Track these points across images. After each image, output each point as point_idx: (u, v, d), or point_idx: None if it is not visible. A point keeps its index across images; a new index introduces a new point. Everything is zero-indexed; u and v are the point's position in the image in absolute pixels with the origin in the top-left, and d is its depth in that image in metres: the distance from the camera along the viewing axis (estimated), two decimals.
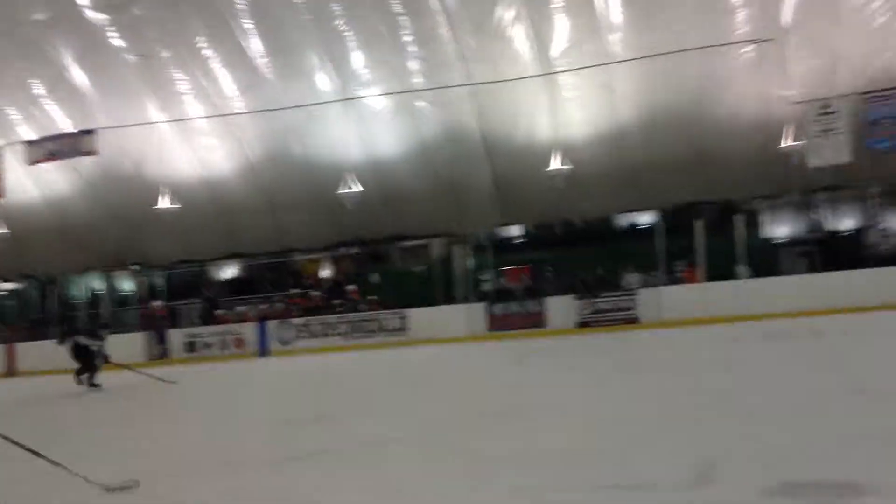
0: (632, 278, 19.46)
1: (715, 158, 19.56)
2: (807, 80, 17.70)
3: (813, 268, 19.59)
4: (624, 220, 21.69)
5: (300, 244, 23.27)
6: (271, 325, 20.66)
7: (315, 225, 22.31)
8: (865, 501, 3.89)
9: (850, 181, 19.59)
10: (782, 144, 18.40)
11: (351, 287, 21.36)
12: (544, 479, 4.80)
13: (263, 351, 20.40)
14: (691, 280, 19.05)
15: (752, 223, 20.17)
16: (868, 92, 17.67)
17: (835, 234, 20.34)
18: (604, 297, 18.93)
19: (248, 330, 20.80)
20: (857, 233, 19.99)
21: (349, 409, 9.05)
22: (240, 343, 20.66)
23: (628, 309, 18.75)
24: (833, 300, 16.77)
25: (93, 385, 13.96)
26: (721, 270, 18.83)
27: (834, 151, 17.97)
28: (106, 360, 14.35)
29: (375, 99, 20.02)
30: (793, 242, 20.47)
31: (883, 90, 17.59)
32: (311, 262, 23.56)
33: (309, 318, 20.68)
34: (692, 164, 19.79)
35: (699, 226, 18.83)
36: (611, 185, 20.44)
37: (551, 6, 18.09)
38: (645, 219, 21.19)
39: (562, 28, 18.47)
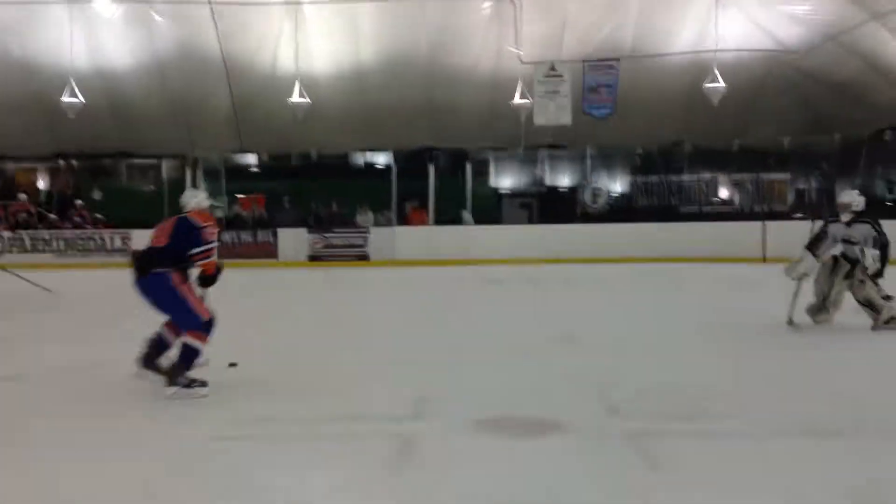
0: (365, 216, 20.16)
1: (450, 107, 20.56)
2: (537, 41, 18.93)
3: (531, 219, 21.40)
4: (361, 158, 22.33)
5: (15, 151, 21.69)
6: None
7: (33, 133, 20.84)
8: (554, 437, 4.41)
9: (569, 141, 21.49)
10: (513, 101, 19.64)
11: (79, 202, 20.38)
12: (277, 411, 5.08)
13: None
14: (418, 221, 20.09)
15: (481, 173, 21.63)
16: (589, 60, 19.30)
17: (553, 190, 22.26)
18: (336, 232, 19.49)
19: None
20: (573, 190, 22.00)
21: None
22: None
23: (360, 246, 19.45)
24: (548, 251, 18.46)
25: None
26: (450, 215, 20.10)
27: (557, 113, 19.56)
28: None
29: (105, 4, 18.93)
30: (516, 194, 22.16)
31: (601, 60, 19.31)
32: (26, 170, 22.09)
33: (22, 230, 19.52)
34: (429, 111, 20.71)
35: (432, 170, 19.87)
36: (350, 123, 20.89)
37: None
38: (381, 159, 22.00)
39: None
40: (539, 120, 19.64)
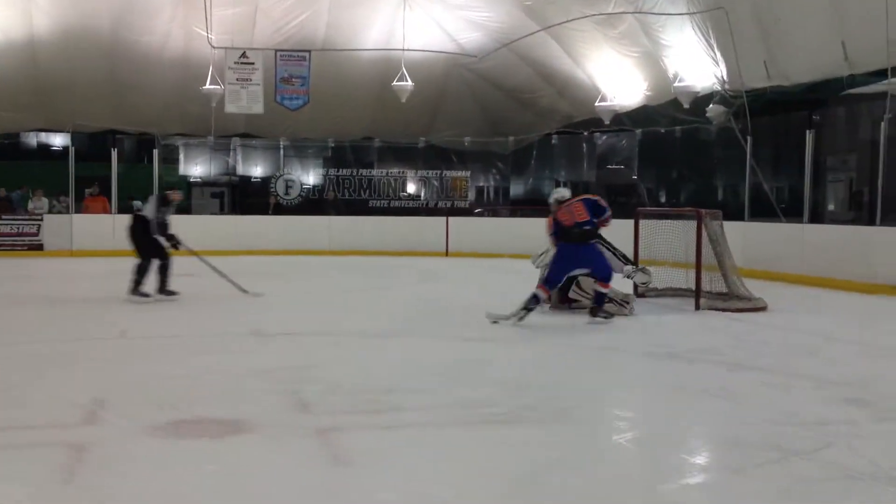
0: (39, 203, 19.11)
1: (137, 89, 20.11)
2: (228, 26, 19.08)
3: (223, 209, 21.52)
4: (34, 139, 21.08)
5: None
6: None
7: None
8: (240, 436, 4.46)
9: (263, 132, 21.90)
10: (203, 86, 19.61)
11: None
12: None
13: None
14: (99, 209, 19.40)
15: (170, 159, 21.35)
16: (281, 50, 19.84)
17: (246, 180, 22.55)
18: (5, 219, 18.31)
19: None
20: (266, 181, 22.42)
21: None
22: None
23: (33, 235, 18.42)
24: (241, 242, 18.65)
25: None
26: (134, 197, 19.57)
27: (249, 101, 19.86)
28: None
29: None
30: (207, 183, 22.14)
31: (293, 50, 19.92)
32: None
33: None
34: (113, 91, 20.07)
35: (115, 155, 19.26)
36: (23, 100, 19.67)
37: None
38: (58, 141, 20.92)
39: None
40: (230, 108, 19.82)
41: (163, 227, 10.33)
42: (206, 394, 5.55)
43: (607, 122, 19.56)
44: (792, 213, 14.99)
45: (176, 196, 10.79)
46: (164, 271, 10.39)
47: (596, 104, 19.26)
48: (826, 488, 3.86)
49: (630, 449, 4.70)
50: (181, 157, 22.17)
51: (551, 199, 9.70)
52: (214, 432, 4.55)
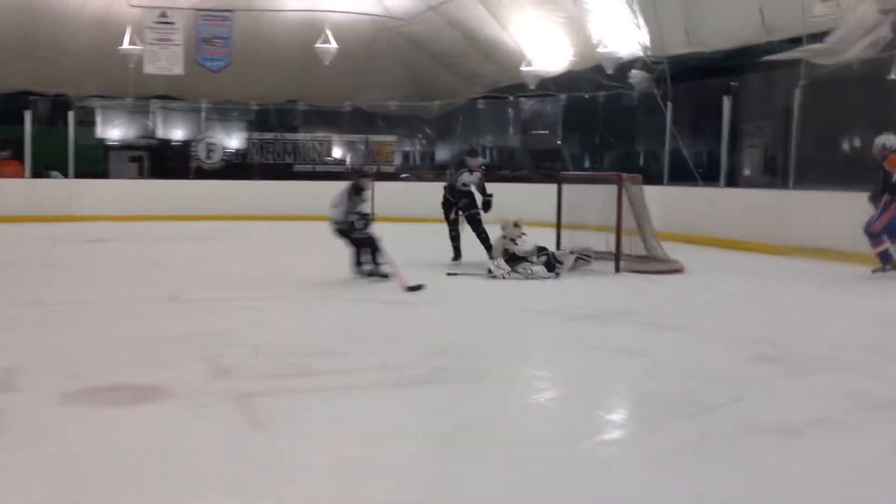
0: None
1: (51, 50, 19.30)
2: None
3: (142, 173, 20.96)
4: None
5: None
6: None
7: None
8: (157, 403, 4.39)
9: (183, 94, 21.33)
10: (121, 47, 18.99)
11: None
12: None
13: None
14: (12, 173, 18.68)
15: (86, 122, 20.65)
16: (202, 9, 19.31)
17: (166, 143, 21.98)
18: None
19: None
20: (187, 144, 21.89)
21: None
22: None
23: None
24: (161, 208, 18.21)
25: None
26: (51, 167, 18.97)
27: (169, 62, 19.35)
28: None
29: None
30: (125, 146, 21.52)
31: (215, 10, 19.42)
32: None
33: None
34: (26, 51, 19.24)
35: (28, 117, 18.54)
36: None
37: None
38: None
39: None
40: (149, 69, 19.28)
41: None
42: (123, 360, 5.40)
43: (532, 87, 19.61)
44: (709, 177, 15.32)
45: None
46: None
47: (521, 69, 19.28)
48: (736, 441, 3.99)
49: (549, 407, 4.78)
50: (98, 119, 21.45)
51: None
52: (131, 399, 4.46)
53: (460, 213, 11.19)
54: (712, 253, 12.86)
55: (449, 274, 9.87)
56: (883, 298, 8.87)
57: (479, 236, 11.04)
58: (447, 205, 11.33)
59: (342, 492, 3.31)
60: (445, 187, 11.46)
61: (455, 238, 11.18)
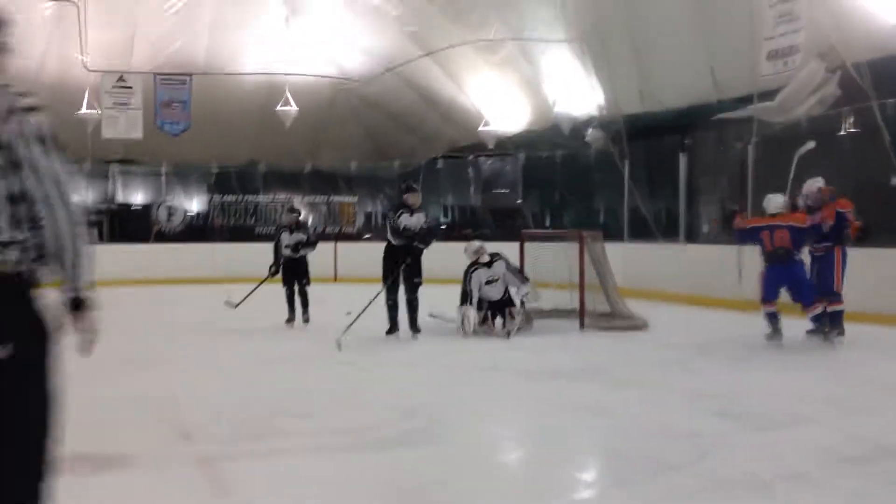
0: None
1: None
2: (105, 49, 18.53)
3: (102, 237, 20.70)
4: None
5: None
6: None
7: None
8: (119, 471, 4.30)
9: (143, 157, 21.26)
10: (80, 111, 18.95)
11: None
12: None
13: None
14: None
15: None
16: (160, 73, 19.38)
17: (126, 207, 21.80)
18: None
19: None
20: (147, 208, 21.72)
21: None
22: None
23: None
24: (120, 272, 17.92)
25: None
26: None
27: (128, 126, 19.34)
28: None
29: None
30: (85, 211, 21.24)
31: (173, 74, 19.50)
32: None
33: None
34: None
35: None
36: None
37: None
38: None
39: None
40: (108, 133, 19.25)
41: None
42: (80, 427, 5.29)
43: (491, 147, 19.87)
44: (669, 233, 15.55)
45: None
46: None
47: (479, 129, 19.57)
48: (705, 498, 4.01)
49: (516, 467, 4.77)
50: None
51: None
52: (90, 468, 4.33)
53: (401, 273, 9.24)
54: (673, 308, 13.00)
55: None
56: (839, 351, 8.98)
57: (408, 304, 9.43)
58: (391, 257, 9.33)
59: None
60: (387, 237, 9.52)
61: (393, 307, 9.41)
